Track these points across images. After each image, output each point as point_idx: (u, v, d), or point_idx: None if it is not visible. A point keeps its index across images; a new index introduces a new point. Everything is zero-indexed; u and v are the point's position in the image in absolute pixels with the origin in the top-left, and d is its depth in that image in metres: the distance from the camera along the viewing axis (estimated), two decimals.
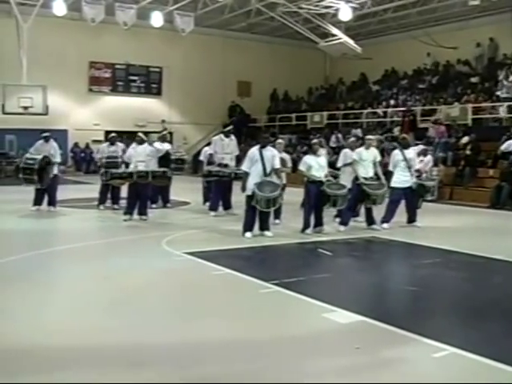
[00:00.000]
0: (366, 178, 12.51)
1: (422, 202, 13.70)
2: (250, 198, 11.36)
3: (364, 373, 4.96)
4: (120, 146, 15.89)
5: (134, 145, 13.92)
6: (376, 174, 12.74)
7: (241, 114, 35.22)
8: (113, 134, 16.50)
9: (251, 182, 11.34)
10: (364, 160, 12.66)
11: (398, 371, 5.00)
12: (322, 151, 13.16)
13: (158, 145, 15.25)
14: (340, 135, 27.62)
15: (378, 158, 12.95)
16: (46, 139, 15.27)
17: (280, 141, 13.85)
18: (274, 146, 12.32)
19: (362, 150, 12.88)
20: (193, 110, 33.44)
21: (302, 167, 12.06)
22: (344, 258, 10.39)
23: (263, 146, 11.55)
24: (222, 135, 15.32)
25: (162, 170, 13.85)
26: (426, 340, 5.53)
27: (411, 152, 13.45)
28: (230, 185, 14.58)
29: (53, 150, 15.13)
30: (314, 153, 12.10)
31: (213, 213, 14.57)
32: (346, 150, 13.80)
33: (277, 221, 13.02)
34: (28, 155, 14.97)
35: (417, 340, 5.57)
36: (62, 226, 13.85)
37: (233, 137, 15.29)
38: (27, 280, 7.93)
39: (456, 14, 28.56)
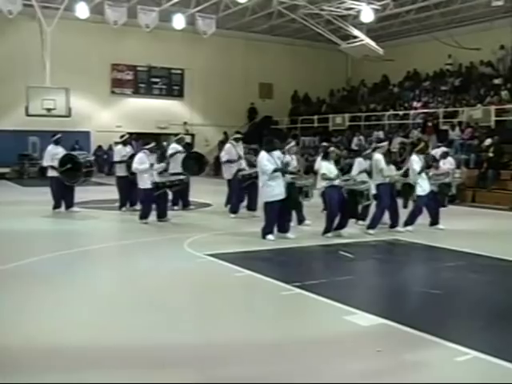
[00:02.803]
0: None
1: (447, 201, 13.54)
2: (275, 203, 11.30)
3: (385, 376, 4.94)
4: (135, 146, 15.85)
5: (147, 152, 13.65)
6: None
7: (254, 117, 35.42)
8: (126, 136, 16.39)
9: (276, 188, 11.30)
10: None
11: (420, 374, 4.98)
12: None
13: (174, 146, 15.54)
14: (362, 137, 27.54)
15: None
16: (57, 142, 15.34)
17: (292, 144, 13.66)
18: (282, 151, 12.23)
19: (380, 157, 12.72)
20: (215, 112, 33.51)
21: (324, 171, 11.94)
22: (366, 260, 10.35)
23: (268, 151, 11.45)
24: (233, 141, 15.46)
25: (181, 178, 13.88)
26: (449, 343, 5.50)
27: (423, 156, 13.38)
28: (256, 186, 14.63)
29: (60, 154, 15.22)
30: (330, 159, 12.09)
31: (232, 215, 14.74)
32: (360, 160, 13.74)
33: (307, 222, 13.12)
34: (76, 153, 15.06)
35: (439, 343, 5.54)
36: (85, 227, 13.93)
37: (241, 142, 15.64)
38: (50, 280, 8.01)
39: (479, 15, 28.37)
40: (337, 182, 11.85)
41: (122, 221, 14.75)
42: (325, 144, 15.52)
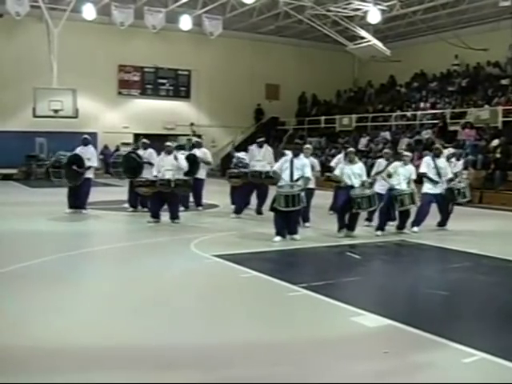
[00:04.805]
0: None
1: (453, 207, 13.58)
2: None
3: (392, 377, 4.93)
4: (150, 151, 15.81)
5: (162, 154, 13.92)
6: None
7: (261, 118, 35.49)
8: (144, 140, 16.48)
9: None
10: (398, 175, 12.56)
11: (427, 376, 4.96)
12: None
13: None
14: (369, 138, 27.51)
15: (413, 176, 12.82)
16: (85, 143, 15.37)
17: (308, 146, 13.88)
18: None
19: (398, 164, 12.74)
20: (221, 113, 33.55)
21: (336, 172, 12.25)
22: (373, 261, 10.34)
23: (296, 155, 11.60)
24: (255, 145, 15.43)
25: (184, 178, 13.88)
26: (456, 345, 5.48)
27: (443, 161, 13.38)
28: (266, 189, 14.75)
29: (89, 154, 15.25)
30: (350, 161, 12.11)
31: (233, 215, 14.83)
32: (380, 161, 13.92)
33: (307, 224, 13.03)
34: (61, 152, 15.06)
35: (446, 345, 5.52)
36: (92, 227, 13.97)
37: (266, 146, 15.39)
38: (57, 281, 8.02)
39: (486, 16, 28.32)
40: (349, 183, 11.88)
41: (129, 222, 14.78)
42: (346, 146, 15.74)
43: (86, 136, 15.76)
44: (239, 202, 15.19)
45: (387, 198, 12.50)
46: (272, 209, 11.47)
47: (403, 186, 12.45)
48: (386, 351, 5.37)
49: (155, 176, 13.60)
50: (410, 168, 12.86)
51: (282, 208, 11.24)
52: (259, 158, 15.05)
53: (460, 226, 13.45)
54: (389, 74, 34.32)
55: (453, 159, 14.32)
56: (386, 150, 14.74)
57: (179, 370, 5.01)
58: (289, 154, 11.91)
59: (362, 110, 32.53)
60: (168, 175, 13.48)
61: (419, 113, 28.15)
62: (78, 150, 15.26)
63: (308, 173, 11.61)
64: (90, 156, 15.21)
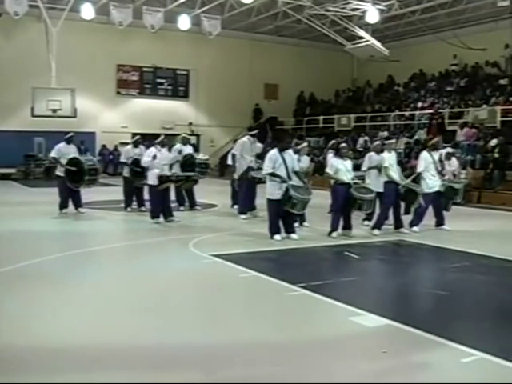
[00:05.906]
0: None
1: (451, 205, 13.57)
2: (272, 202, 11.36)
3: (390, 377, 4.93)
4: (143, 148, 15.78)
5: (158, 147, 13.83)
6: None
7: (259, 117, 35.41)
8: (137, 137, 16.43)
9: (275, 187, 11.34)
10: (392, 165, 12.54)
11: (426, 376, 4.97)
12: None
13: (178, 147, 15.51)
14: (367, 138, 27.50)
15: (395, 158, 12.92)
16: (68, 141, 15.28)
17: (305, 144, 13.78)
18: (297, 152, 12.31)
19: (387, 155, 12.67)
20: (220, 113, 33.56)
21: (329, 170, 12.03)
22: (371, 261, 10.33)
23: (283, 149, 11.54)
24: (249, 137, 15.31)
25: (193, 174, 13.96)
26: (454, 345, 5.48)
27: (437, 154, 13.39)
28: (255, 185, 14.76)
29: (77, 152, 15.25)
30: (341, 156, 12.03)
31: (243, 216, 14.65)
32: (371, 154, 13.67)
33: (305, 223, 13.04)
34: (83, 158, 14.94)
35: (445, 344, 5.52)
36: (90, 227, 13.93)
37: (255, 140, 15.40)
38: (56, 281, 8.03)
39: (485, 16, 28.37)
40: (346, 180, 11.82)
41: (127, 221, 14.78)
42: (337, 140, 15.47)
43: (71, 134, 15.56)
44: (246, 200, 14.97)
45: (394, 195, 12.39)
46: (272, 209, 11.47)
47: (397, 172, 12.48)
48: (385, 351, 5.37)
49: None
50: (393, 153, 12.85)
51: (298, 212, 11.49)
52: (254, 153, 15.08)
53: (459, 225, 13.46)
54: (387, 74, 34.34)
55: (445, 160, 14.28)
56: (377, 142, 14.56)
57: (178, 370, 5.01)
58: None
59: (360, 109, 32.55)
60: (165, 170, 13.50)
61: (417, 112, 28.17)
62: (60, 148, 15.08)
63: (296, 167, 11.71)
64: (77, 154, 15.25)
